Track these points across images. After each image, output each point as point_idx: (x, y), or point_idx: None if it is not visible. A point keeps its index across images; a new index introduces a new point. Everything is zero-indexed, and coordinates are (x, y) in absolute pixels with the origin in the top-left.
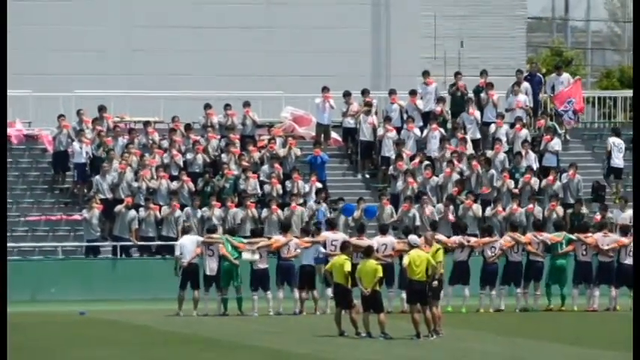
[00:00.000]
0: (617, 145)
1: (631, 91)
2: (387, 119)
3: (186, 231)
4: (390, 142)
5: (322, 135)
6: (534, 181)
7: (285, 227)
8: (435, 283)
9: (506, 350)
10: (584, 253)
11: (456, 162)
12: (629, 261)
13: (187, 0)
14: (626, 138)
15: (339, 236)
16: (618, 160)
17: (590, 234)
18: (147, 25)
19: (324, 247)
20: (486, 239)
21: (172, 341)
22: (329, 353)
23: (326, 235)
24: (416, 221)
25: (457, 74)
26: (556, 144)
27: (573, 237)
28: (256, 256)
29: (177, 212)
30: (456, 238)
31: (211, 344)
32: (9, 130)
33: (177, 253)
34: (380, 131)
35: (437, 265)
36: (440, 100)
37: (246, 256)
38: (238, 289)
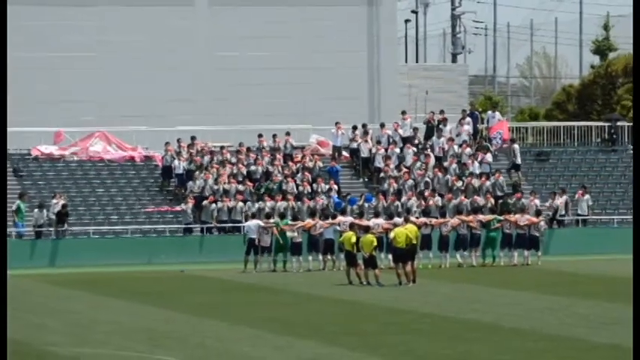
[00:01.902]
0: (517, 150)
1: (536, 123)
2: (378, 142)
3: (252, 216)
4: (381, 157)
5: (336, 153)
6: (475, 181)
7: (312, 213)
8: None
9: (458, 292)
10: (508, 227)
11: (424, 170)
12: (536, 233)
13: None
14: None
15: (348, 219)
16: (518, 160)
17: (511, 215)
18: (224, 82)
19: (339, 226)
20: (441, 220)
21: (241, 289)
22: (343, 295)
23: (340, 218)
24: (398, 209)
25: (431, 112)
26: (488, 157)
27: (501, 217)
28: (295, 234)
29: (240, 204)
30: (423, 219)
31: (265, 289)
32: (133, 153)
33: (244, 231)
34: (373, 150)
35: (413, 237)
36: (413, 129)
37: (289, 234)
38: (285, 255)
